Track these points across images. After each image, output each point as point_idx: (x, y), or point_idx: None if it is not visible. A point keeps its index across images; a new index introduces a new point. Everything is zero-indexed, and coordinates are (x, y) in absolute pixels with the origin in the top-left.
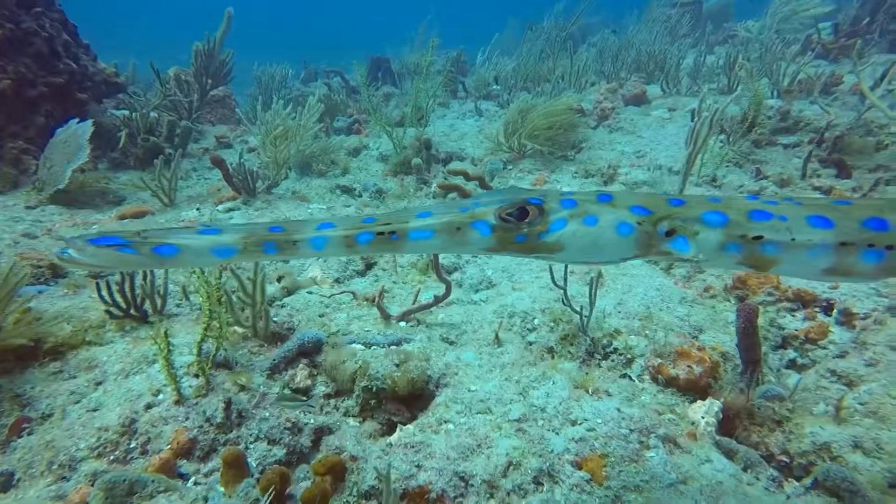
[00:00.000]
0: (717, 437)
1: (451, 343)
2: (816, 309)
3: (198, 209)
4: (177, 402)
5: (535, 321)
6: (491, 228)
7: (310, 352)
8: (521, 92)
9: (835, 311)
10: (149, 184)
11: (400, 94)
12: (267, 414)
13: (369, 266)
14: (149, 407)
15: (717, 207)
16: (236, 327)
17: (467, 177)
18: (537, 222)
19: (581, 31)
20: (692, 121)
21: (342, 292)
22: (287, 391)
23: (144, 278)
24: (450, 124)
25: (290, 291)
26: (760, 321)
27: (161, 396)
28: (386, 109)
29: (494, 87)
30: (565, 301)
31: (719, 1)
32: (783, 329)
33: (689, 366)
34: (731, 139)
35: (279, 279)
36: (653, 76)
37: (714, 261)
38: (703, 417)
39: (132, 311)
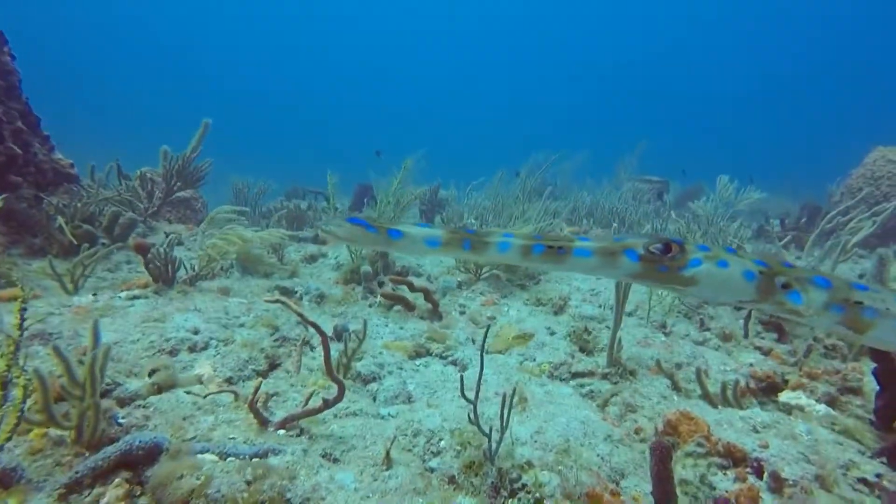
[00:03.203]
0: None
1: (334, 460)
2: (747, 469)
3: (94, 294)
4: None
5: (442, 443)
6: (639, 257)
7: (138, 461)
8: (494, 227)
9: (765, 474)
10: (55, 269)
11: (377, 216)
12: None
13: (273, 366)
14: None
15: (822, 275)
16: (51, 429)
17: (411, 287)
18: (679, 258)
19: (561, 184)
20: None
21: (222, 391)
22: None
23: None
24: None
25: (161, 389)
26: (691, 475)
27: None
28: None
29: (471, 220)
30: (472, 419)
31: (686, 187)
32: (714, 489)
33: None
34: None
35: (151, 373)
36: (618, 232)
37: (819, 317)
38: None
39: None
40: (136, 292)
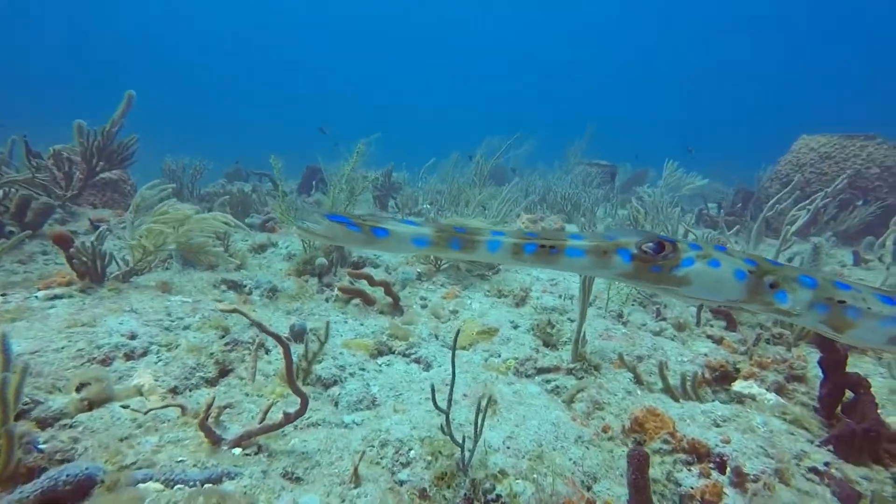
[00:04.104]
0: None
1: (297, 479)
2: (710, 465)
3: (3, 294)
4: None
5: (412, 453)
6: (631, 257)
7: (65, 499)
8: (450, 213)
9: (727, 469)
10: None
11: (331, 203)
12: None
13: (224, 373)
14: None
15: (808, 273)
16: None
17: (371, 281)
18: (671, 257)
19: (511, 167)
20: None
21: (167, 406)
22: None
23: None
24: None
25: (93, 405)
26: (658, 473)
27: None
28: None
29: (426, 206)
30: (445, 430)
31: (635, 171)
32: (680, 485)
33: None
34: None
35: (80, 387)
36: (571, 217)
37: (804, 316)
38: None
39: None
40: (58, 291)
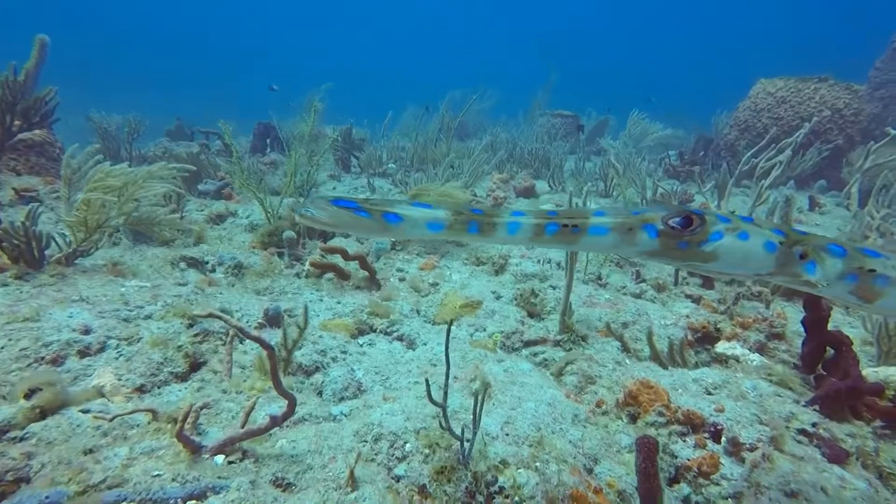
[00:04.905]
0: None
1: (288, 486)
2: (705, 435)
3: None
4: None
5: (407, 447)
6: (657, 233)
7: None
8: (417, 173)
9: (723, 439)
10: None
11: (292, 165)
12: None
13: (195, 367)
14: None
15: (836, 241)
16: None
17: (345, 256)
18: (699, 232)
19: (474, 122)
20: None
21: (135, 411)
22: None
23: None
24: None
25: (46, 412)
26: None
27: None
28: (271, 177)
29: (390, 165)
30: (443, 424)
31: (597, 120)
32: (676, 457)
33: None
34: None
35: (29, 393)
36: (540, 172)
37: (833, 288)
38: None
39: None
40: None
